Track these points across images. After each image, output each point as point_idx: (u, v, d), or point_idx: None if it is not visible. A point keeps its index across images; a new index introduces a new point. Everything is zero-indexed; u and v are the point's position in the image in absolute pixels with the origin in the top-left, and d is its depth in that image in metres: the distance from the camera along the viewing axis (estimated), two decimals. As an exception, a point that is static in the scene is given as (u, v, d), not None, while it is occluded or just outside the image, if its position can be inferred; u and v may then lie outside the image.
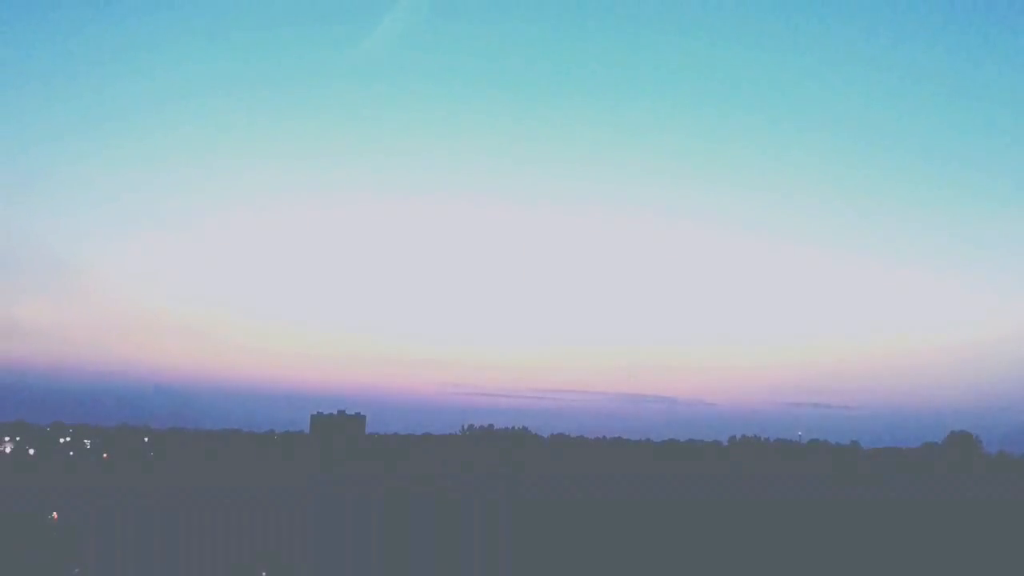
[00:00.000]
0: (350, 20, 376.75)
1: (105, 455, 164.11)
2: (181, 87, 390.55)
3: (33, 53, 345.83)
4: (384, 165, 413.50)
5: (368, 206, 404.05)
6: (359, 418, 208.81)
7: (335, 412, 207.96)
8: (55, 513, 76.80)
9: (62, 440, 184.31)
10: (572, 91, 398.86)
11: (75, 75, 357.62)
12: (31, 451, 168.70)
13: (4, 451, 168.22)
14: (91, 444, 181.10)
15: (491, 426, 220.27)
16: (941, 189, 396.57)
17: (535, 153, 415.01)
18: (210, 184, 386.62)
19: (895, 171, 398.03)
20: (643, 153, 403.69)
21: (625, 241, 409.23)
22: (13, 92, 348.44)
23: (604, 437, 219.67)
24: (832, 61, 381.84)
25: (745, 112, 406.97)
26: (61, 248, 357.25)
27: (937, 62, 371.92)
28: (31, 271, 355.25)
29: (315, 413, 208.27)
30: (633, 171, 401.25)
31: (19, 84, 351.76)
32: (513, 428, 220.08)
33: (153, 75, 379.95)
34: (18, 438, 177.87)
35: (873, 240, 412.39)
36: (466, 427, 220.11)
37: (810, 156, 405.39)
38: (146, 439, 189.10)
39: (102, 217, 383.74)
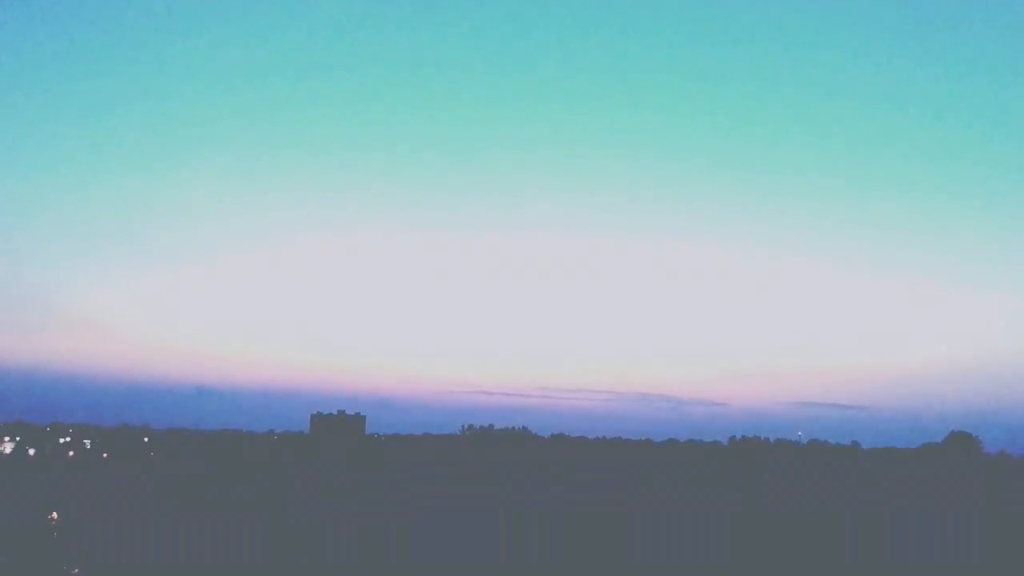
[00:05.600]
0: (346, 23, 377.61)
1: (105, 455, 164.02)
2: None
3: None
4: (384, 171, 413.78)
5: (368, 210, 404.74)
6: (359, 418, 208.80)
7: (335, 412, 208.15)
8: (55, 513, 76.75)
9: (62, 440, 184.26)
10: (574, 94, 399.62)
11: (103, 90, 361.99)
12: (31, 451, 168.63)
13: (4, 451, 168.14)
14: (91, 444, 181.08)
15: (491, 426, 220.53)
16: (944, 198, 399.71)
17: (539, 154, 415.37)
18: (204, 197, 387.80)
19: (901, 183, 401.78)
20: (651, 153, 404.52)
21: (629, 243, 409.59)
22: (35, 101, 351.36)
23: (604, 437, 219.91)
24: (847, 72, 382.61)
25: (752, 117, 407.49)
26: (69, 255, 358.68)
27: (947, 72, 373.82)
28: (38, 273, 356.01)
29: (315, 413, 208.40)
30: (641, 173, 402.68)
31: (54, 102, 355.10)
32: (513, 428, 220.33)
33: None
34: (18, 438, 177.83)
35: (875, 247, 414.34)
36: (466, 427, 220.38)
37: (821, 165, 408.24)
38: (146, 439, 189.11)
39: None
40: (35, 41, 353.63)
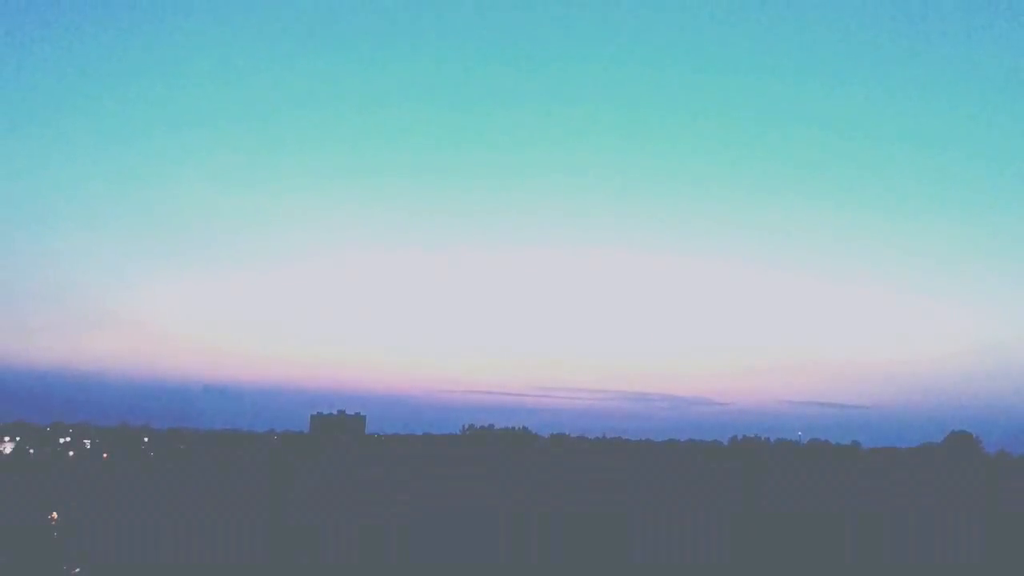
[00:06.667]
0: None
1: (105, 455, 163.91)
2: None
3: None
4: (383, 179, 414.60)
5: (370, 214, 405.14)
6: (359, 418, 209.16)
7: (335, 412, 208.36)
8: (55, 513, 76.70)
9: (62, 440, 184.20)
10: (573, 93, 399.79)
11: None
12: (31, 451, 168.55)
13: (4, 451, 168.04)
14: (91, 444, 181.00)
15: (491, 426, 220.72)
16: (943, 200, 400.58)
17: (540, 153, 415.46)
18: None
19: (898, 184, 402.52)
20: (651, 162, 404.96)
21: (629, 244, 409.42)
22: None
23: (604, 437, 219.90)
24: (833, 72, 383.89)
25: (745, 127, 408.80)
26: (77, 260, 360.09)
27: (934, 74, 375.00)
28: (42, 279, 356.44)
29: (315, 413, 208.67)
30: (641, 180, 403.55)
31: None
32: (513, 428, 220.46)
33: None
34: (18, 438, 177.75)
35: (875, 248, 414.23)
36: (466, 427, 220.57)
37: (819, 169, 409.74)
38: (146, 439, 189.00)
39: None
40: (73, 54, 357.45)
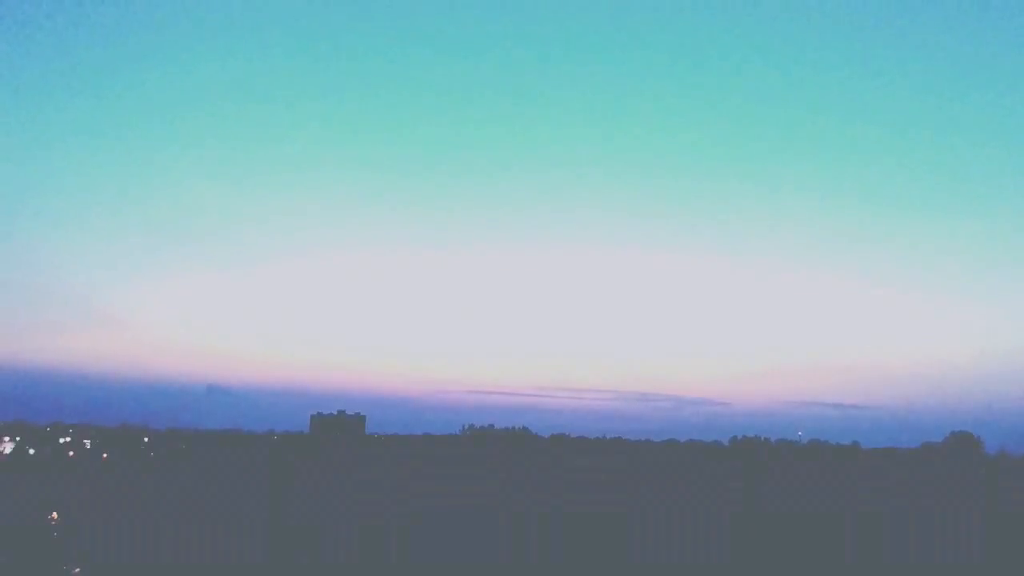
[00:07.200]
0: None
1: (105, 455, 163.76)
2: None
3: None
4: (383, 179, 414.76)
5: (371, 214, 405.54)
6: (359, 418, 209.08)
7: (335, 412, 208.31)
8: (55, 513, 76.68)
9: (62, 440, 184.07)
10: (576, 89, 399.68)
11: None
12: (31, 451, 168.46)
13: (4, 451, 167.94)
14: (91, 444, 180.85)
15: (491, 426, 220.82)
16: (943, 201, 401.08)
17: (538, 152, 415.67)
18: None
19: (899, 186, 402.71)
20: (651, 161, 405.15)
21: (629, 245, 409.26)
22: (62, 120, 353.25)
23: (604, 437, 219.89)
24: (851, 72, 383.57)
25: (747, 125, 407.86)
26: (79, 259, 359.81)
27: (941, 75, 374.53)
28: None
29: (315, 413, 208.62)
30: (641, 179, 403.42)
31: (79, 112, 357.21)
32: (513, 428, 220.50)
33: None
34: (18, 438, 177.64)
35: (875, 249, 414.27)
36: (466, 427, 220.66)
37: (820, 173, 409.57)
38: (146, 439, 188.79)
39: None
40: (54, 45, 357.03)
